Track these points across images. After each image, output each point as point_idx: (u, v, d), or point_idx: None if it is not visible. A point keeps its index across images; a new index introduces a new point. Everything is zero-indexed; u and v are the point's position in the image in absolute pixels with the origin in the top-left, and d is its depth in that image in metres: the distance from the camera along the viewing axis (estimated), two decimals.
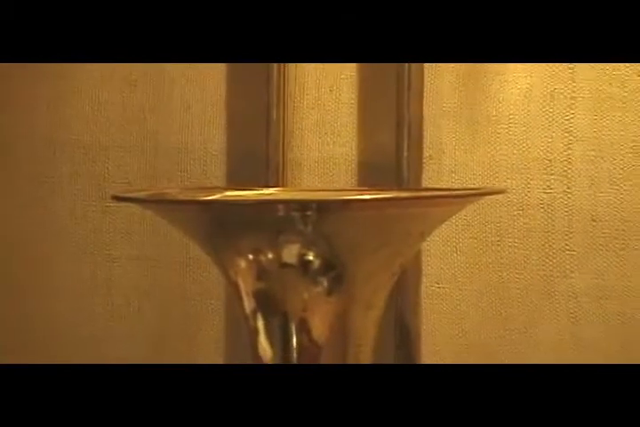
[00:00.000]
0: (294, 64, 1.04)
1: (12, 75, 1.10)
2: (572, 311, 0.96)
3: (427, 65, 0.99)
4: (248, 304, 0.95)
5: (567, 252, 0.96)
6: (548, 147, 0.97)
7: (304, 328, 0.95)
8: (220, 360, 1.07)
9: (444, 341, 1.03)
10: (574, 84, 0.97)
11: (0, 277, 1.15)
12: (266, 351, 0.96)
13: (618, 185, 0.96)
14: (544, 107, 0.97)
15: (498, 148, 1.00)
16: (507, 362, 1.00)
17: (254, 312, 0.95)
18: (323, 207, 0.93)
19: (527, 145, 0.98)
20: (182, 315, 1.11)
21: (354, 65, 1.02)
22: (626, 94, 0.95)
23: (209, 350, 1.10)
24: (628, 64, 0.95)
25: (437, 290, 1.04)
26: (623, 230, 0.97)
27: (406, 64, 0.98)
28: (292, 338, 0.95)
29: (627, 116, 0.95)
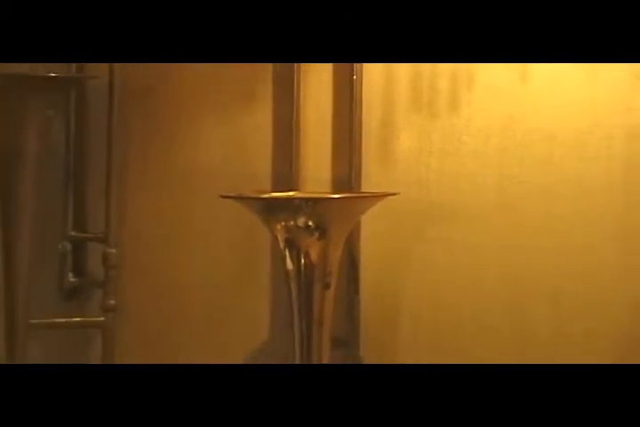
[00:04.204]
0: (304, 132, 1.73)
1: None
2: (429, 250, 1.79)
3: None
4: (281, 244, 1.66)
5: (426, 217, 1.78)
6: (418, 173, 1.78)
7: (307, 256, 1.65)
8: (268, 267, 1.77)
9: (371, 261, 1.79)
10: (432, 141, 1.76)
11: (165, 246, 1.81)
12: (289, 266, 1.65)
13: (451, 186, 1.77)
14: (417, 154, 1.78)
15: (395, 174, 1.78)
16: (403, 275, 1.76)
17: (284, 248, 1.66)
18: (316, 201, 1.65)
19: (406, 172, 1.78)
20: (250, 252, 1.81)
21: (329, 137, 1.75)
22: (443, 145, 1.75)
23: (263, 269, 1.80)
24: (448, 121, 1.73)
25: (368, 237, 1.79)
26: (453, 206, 1.76)
27: (353, 131, 1.72)
28: (301, 260, 1.65)
29: (457, 153, 1.76)
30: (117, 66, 1.77)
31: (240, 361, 1.81)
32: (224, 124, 1.81)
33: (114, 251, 1.80)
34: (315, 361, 1.68)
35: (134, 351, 1.84)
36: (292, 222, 1.62)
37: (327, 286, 1.66)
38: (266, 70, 1.80)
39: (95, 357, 1.82)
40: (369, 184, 1.80)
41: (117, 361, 1.80)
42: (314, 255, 1.65)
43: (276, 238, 1.66)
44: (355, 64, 1.77)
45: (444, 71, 1.78)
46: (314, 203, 1.62)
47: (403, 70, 1.79)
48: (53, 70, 1.74)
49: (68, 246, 1.84)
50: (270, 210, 1.66)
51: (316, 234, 1.62)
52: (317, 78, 1.80)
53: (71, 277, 1.85)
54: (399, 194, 1.71)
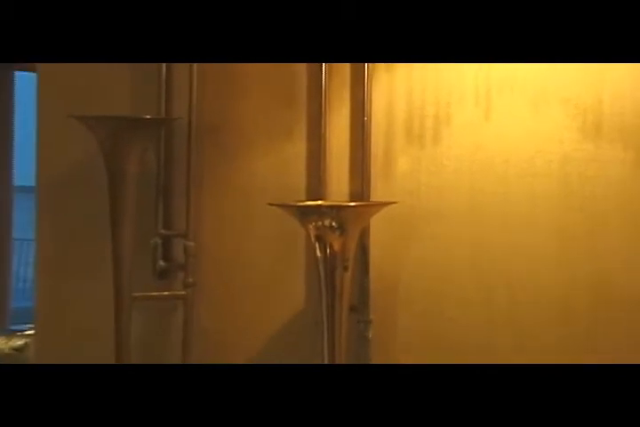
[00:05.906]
0: (328, 158, 2.17)
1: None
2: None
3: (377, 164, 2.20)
4: (312, 239, 2.03)
5: (417, 219, 2.20)
6: (411, 187, 2.20)
7: (331, 247, 2.01)
8: (302, 258, 2.19)
9: (378, 251, 2.19)
10: (422, 164, 2.19)
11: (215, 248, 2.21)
12: (318, 254, 2.02)
13: (435, 197, 2.19)
14: (410, 173, 2.20)
15: (395, 188, 2.17)
16: (401, 261, 2.21)
17: (315, 241, 2.03)
18: (338, 207, 2.07)
19: (403, 186, 2.17)
20: (290, 245, 2.20)
21: (347, 161, 2.17)
22: (430, 167, 2.21)
23: (299, 257, 2.20)
24: (433, 149, 2.24)
25: (376, 234, 2.18)
26: (437, 211, 2.17)
27: (364, 157, 2.24)
28: (327, 250, 2.01)
29: (439, 172, 2.20)
30: (194, 111, 2.26)
31: (283, 323, 2.23)
32: (271, 152, 2.22)
33: (192, 244, 2.21)
34: (337, 323, 2.07)
35: (207, 316, 2.24)
36: (320, 223, 2.01)
37: (346, 269, 2.05)
38: (301, 113, 2.24)
39: (178, 321, 2.25)
40: (376, 195, 2.20)
41: (195, 324, 2.24)
42: (336, 247, 2.03)
43: (308, 235, 2.05)
44: (365, 108, 2.20)
45: (429, 114, 2.22)
46: (336, 209, 2.03)
47: (400, 114, 2.21)
48: (149, 114, 2.27)
49: (159, 240, 2.25)
50: (305, 214, 2.04)
51: (338, 232, 2.02)
52: (338, 120, 2.20)
53: (161, 263, 2.25)
54: (398, 202, 2.14)
